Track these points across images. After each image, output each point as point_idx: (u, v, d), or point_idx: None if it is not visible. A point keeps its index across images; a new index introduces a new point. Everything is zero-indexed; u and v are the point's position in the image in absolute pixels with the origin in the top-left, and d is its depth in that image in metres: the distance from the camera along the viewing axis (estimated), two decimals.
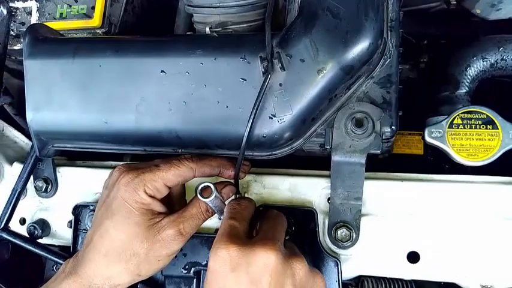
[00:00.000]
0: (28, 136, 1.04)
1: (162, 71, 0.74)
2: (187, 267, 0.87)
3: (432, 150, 0.97)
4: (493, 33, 0.92)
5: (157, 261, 0.74)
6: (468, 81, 0.89)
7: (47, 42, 0.82)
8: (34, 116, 0.80)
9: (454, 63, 0.91)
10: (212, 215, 0.76)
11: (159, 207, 0.75)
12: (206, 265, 0.86)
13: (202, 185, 0.71)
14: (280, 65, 0.70)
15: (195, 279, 0.88)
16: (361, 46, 0.69)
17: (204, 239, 0.87)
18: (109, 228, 0.74)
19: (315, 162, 0.87)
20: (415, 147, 1.06)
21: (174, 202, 0.80)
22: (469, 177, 0.81)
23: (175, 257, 0.81)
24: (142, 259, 0.73)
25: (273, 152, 0.76)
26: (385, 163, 0.90)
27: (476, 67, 0.89)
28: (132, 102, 0.76)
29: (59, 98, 0.79)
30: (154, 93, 0.75)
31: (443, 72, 0.92)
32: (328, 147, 0.77)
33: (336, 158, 0.77)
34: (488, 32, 0.93)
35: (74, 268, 0.75)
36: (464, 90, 0.89)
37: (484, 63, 0.89)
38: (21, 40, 0.93)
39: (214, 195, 0.71)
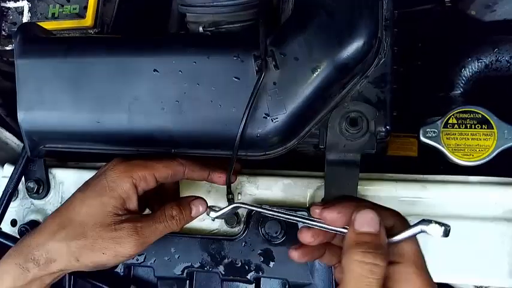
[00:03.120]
0: (20, 138, 1.03)
1: (154, 70, 0.73)
2: (180, 268, 0.86)
3: (427, 151, 0.97)
4: (487, 35, 0.92)
5: (101, 254, 0.70)
6: (463, 82, 0.89)
7: (39, 41, 0.81)
8: (25, 116, 0.79)
9: (449, 65, 0.91)
10: (179, 227, 0.75)
11: (133, 204, 0.73)
12: (199, 267, 0.86)
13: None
14: (274, 63, 0.69)
15: (187, 281, 0.87)
16: (355, 45, 0.68)
17: (197, 241, 0.86)
18: (75, 200, 0.73)
19: (309, 163, 0.87)
20: (410, 149, 1.05)
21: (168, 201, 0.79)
22: (464, 178, 0.81)
23: (168, 258, 0.80)
24: (87, 243, 0.70)
25: (267, 152, 0.75)
26: (379, 164, 0.89)
27: (471, 68, 0.89)
28: (124, 101, 0.75)
29: (51, 97, 0.77)
30: (147, 92, 0.74)
31: (438, 73, 0.92)
32: (322, 147, 0.76)
33: (330, 158, 0.76)
34: (483, 33, 0.93)
35: (21, 240, 0.74)
36: (459, 91, 0.89)
37: (479, 64, 0.89)
38: (13, 40, 0.92)
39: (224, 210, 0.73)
